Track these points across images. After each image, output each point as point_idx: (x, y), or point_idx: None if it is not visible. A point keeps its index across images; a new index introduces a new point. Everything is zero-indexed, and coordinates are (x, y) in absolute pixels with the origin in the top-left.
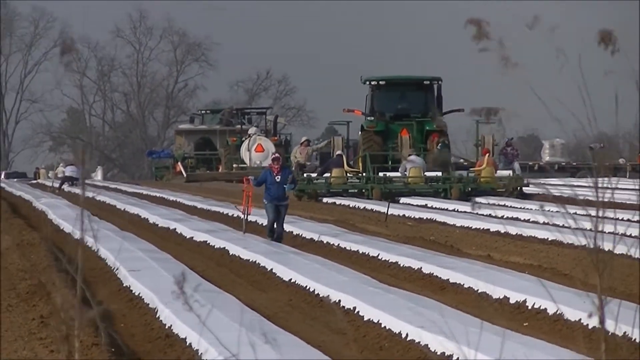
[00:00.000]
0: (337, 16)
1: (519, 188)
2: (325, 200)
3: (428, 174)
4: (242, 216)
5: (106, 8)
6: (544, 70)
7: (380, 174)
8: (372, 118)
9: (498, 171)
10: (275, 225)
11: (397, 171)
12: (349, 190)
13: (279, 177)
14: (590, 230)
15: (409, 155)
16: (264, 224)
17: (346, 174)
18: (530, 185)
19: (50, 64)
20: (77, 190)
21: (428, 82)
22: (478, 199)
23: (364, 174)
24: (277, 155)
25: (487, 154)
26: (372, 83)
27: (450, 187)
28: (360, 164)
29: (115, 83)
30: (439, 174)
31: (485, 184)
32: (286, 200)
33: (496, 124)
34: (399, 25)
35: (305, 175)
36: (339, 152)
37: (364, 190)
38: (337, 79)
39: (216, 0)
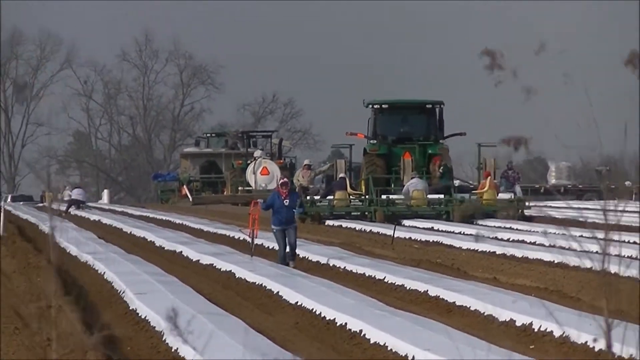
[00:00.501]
0: (344, 36)
1: (520, 211)
2: (330, 223)
3: (430, 196)
4: (248, 239)
5: (112, 31)
6: (555, 92)
7: (383, 197)
8: (375, 141)
9: (499, 194)
10: (287, 249)
11: (400, 194)
12: (352, 213)
13: (287, 200)
14: (597, 252)
15: (412, 177)
16: (270, 247)
17: (349, 197)
18: (531, 208)
19: (57, 87)
20: (83, 214)
21: (430, 106)
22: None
23: (366, 197)
24: (285, 179)
25: (489, 177)
26: (375, 106)
27: (453, 209)
28: (363, 187)
29: (122, 106)
30: (441, 196)
31: (487, 207)
32: (294, 223)
33: (497, 146)
34: (407, 47)
35: (308, 197)
36: (342, 174)
37: (366, 213)
38: (344, 103)
39: None
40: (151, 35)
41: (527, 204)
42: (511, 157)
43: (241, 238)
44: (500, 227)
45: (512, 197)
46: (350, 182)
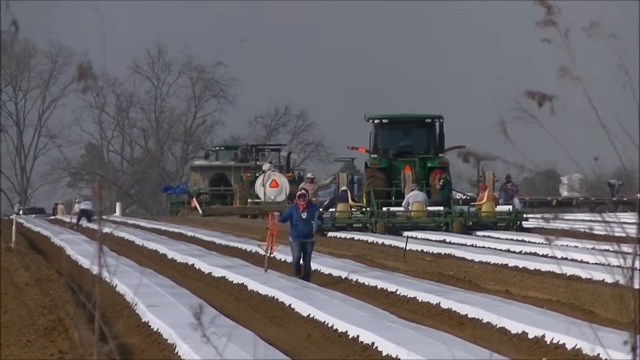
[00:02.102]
0: (357, 48)
1: (518, 222)
2: (343, 235)
3: (430, 208)
4: (263, 253)
5: (124, 44)
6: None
7: (384, 209)
8: (376, 155)
9: (498, 206)
10: (301, 263)
11: (400, 206)
12: (354, 225)
13: (305, 213)
14: (609, 265)
15: (411, 190)
16: (285, 260)
17: (350, 209)
18: (529, 220)
19: (69, 99)
20: (95, 226)
21: (430, 120)
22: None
23: (368, 209)
24: (302, 191)
25: (487, 189)
26: (376, 121)
27: (452, 221)
28: (365, 199)
29: (134, 119)
30: (441, 208)
31: (485, 218)
32: (312, 237)
33: (496, 160)
34: (420, 61)
35: None
36: (344, 187)
37: (368, 225)
38: (356, 116)
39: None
40: (164, 47)
41: (525, 215)
42: (526, 168)
43: (253, 250)
44: (512, 239)
45: (511, 209)
46: (353, 195)
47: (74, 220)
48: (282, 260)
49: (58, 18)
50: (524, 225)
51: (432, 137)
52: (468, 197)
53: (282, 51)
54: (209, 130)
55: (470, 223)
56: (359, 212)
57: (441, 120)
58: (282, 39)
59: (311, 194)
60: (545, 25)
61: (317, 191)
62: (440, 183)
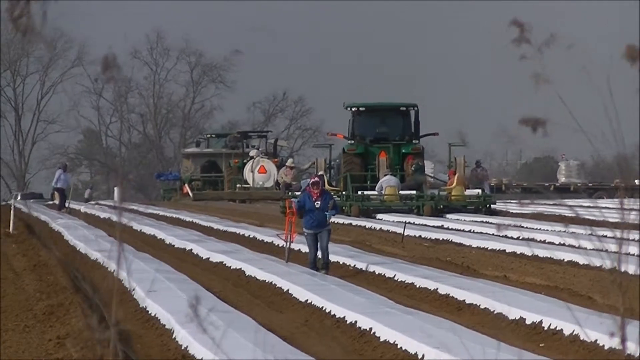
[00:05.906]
0: (355, 35)
1: (487, 206)
2: (340, 221)
3: (402, 192)
4: (283, 243)
5: (123, 29)
6: (570, 85)
7: (359, 192)
8: (353, 141)
9: (467, 190)
10: (319, 255)
11: (375, 190)
12: None
13: (319, 202)
14: (607, 250)
15: (385, 175)
16: (300, 250)
17: None
18: (497, 203)
19: (67, 84)
20: (93, 211)
21: (404, 109)
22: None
23: (344, 192)
24: (316, 179)
25: (456, 174)
26: (353, 109)
27: (423, 204)
28: (342, 184)
29: (132, 104)
30: (413, 192)
31: (455, 202)
32: (327, 226)
33: (466, 146)
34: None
35: (290, 193)
36: (320, 172)
37: (343, 207)
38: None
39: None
40: (162, 33)
41: (493, 199)
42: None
43: (251, 236)
44: (509, 225)
45: (480, 193)
46: (330, 179)
47: (59, 203)
48: (301, 251)
49: (58, 3)
50: (492, 208)
51: (407, 124)
52: (440, 181)
53: (281, 36)
54: (207, 116)
55: (441, 206)
56: (335, 196)
57: (416, 108)
58: (281, 24)
59: (291, 178)
60: (520, 44)
61: (297, 175)
62: (413, 168)
